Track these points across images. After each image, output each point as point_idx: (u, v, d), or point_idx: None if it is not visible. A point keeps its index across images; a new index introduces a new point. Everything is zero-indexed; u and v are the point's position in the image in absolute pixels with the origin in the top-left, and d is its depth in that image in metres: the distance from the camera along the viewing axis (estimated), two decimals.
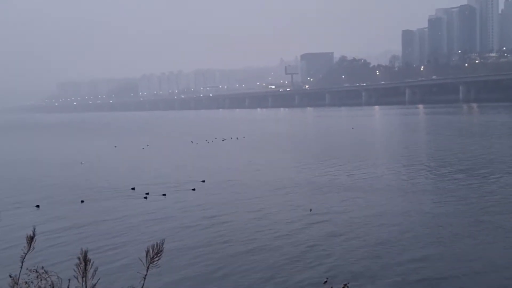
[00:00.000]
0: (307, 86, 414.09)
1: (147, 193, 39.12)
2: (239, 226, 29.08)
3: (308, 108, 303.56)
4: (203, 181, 44.44)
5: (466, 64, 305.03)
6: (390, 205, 32.88)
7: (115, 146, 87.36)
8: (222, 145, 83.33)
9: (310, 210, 32.01)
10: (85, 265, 7.22)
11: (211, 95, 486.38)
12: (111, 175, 51.79)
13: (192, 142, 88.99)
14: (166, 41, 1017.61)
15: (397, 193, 36.83)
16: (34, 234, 7.60)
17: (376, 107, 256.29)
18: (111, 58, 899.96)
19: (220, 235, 27.25)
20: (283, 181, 43.95)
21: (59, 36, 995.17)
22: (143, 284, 7.34)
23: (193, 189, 40.55)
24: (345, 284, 6.61)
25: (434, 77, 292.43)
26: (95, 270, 7.28)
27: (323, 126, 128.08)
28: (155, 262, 7.32)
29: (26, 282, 7.67)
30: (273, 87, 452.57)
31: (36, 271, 7.79)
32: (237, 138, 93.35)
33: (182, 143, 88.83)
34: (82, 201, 37.60)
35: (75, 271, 7.17)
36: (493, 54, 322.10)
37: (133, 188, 41.84)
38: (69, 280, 7.41)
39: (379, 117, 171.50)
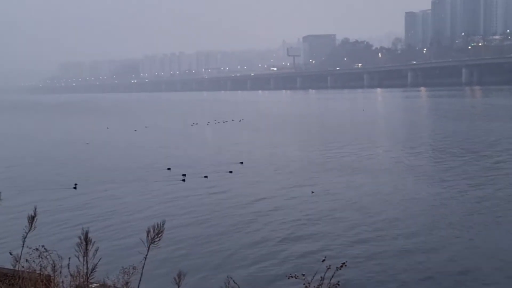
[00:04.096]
0: (312, 62, 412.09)
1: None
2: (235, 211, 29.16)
3: (310, 90, 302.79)
4: (241, 162, 44.23)
5: (469, 47, 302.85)
6: (399, 188, 32.87)
7: (146, 127, 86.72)
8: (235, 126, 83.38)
9: (312, 192, 32.15)
10: (86, 244, 7.26)
11: (215, 76, 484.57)
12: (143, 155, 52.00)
13: (193, 124, 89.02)
14: (167, 22, 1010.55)
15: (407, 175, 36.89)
16: (35, 213, 7.63)
17: (378, 89, 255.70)
18: (113, 39, 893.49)
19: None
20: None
21: (60, 17, 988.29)
22: (144, 263, 7.38)
23: (230, 172, 39.84)
24: (343, 263, 6.60)
25: (438, 59, 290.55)
26: (96, 250, 7.32)
27: (338, 109, 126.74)
28: (155, 242, 7.35)
29: (27, 260, 7.73)
30: (275, 69, 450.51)
31: (37, 249, 7.85)
32: (239, 120, 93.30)
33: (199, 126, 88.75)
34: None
35: (76, 250, 7.22)
36: (497, 37, 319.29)
37: (169, 169, 42.20)
38: (69, 258, 7.47)
39: (383, 99, 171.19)
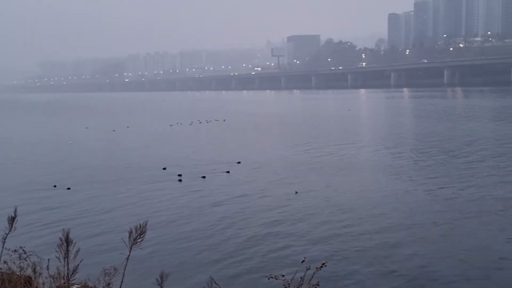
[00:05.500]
0: (297, 62, 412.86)
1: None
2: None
3: (295, 90, 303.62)
4: (239, 162, 43.97)
5: (451, 48, 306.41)
6: (382, 187, 33.24)
7: (128, 127, 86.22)
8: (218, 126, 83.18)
9: (296, 192, 32.27)
10: (67, 245, 7.22)
11: (201, 76, 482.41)
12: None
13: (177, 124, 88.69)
14: (151, 21, 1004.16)
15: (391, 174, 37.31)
16: (15, 214, 7.57)
17: (362, 90, 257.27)
18: (96, 38, 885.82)
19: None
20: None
21: (42, 15, 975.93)
22: (126, 264, 7.35)
23: (203, 177, 38.58)
24: (323, 264, 6.66)
25: (421, 60, 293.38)
26: (77, 251, 7.28)
27: (324, 109, 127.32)
28: (138, 243, 7.33)
29: (5, 262, 7.66)
30: (260, 69, 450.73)
31: (16, 251, 7.78)
32: (224, 120, 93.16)
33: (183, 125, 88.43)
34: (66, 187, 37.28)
35: (56, 251, 7.17)
36: (478, 38, 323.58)
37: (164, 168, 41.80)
38: (49, 260, 7.40)
39: (367, 100, 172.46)
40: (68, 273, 7.27)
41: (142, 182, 37.14)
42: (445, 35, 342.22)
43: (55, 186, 36.05)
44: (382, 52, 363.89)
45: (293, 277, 6.35)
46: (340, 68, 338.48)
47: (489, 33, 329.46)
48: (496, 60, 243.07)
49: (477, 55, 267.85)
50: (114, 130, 79.56)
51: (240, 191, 33.29)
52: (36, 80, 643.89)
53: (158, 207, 29.83)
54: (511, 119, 77.77)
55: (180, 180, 37.36)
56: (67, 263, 7.18)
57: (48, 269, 7.52)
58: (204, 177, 38.26)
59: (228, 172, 39.97)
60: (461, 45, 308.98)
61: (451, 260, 20.00)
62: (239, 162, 44.04)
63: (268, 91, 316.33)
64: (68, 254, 7.21)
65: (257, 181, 36.50)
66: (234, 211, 28.37)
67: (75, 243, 7.27)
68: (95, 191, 34.52)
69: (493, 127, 67.17)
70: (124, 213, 28.67)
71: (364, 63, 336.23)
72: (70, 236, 7.28)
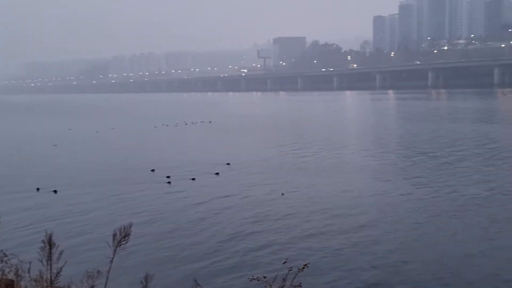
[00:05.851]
0: (283, 64, 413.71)
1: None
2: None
3: (281, 92, 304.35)
4: (228, 163, 43.75)
5: (435, 51, 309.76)
6: (365, 189, 33.49)
7: (113, 128, 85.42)
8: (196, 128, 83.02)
9: (282, 194, 32.37)
10: (50, 248, 7.19)
11: (185, 77, 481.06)
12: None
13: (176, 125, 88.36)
14: (136, 22, 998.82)
15: (375, 175, 37.62)
16: None
17: (348, 92, 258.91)
18: (80, 39, 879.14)
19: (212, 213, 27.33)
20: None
21: (26, 16, 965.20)
22: (110, 267, 7.34)
23: (193, 179, 38.10)
24: (305, 265, 6.74)
25: (406, 63, 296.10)
26: (60, 254, 7.25)
27: (311, 110, 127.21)
28: (122, 246, 7.33)
29: None
30: (246, 70, 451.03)
31: None
32: (210, 121, 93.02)
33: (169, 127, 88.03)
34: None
35: (39, 254, 7.14)
36: (461, 41, 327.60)
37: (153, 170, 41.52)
38: (30, 263, 7.36)
39: (353, 102, 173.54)
40: (51, 276, 7.24)
41: (131, 184, 36.83)
42: (429, 38, 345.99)
43: (38, 189, 35.64)
44: (367, 54, 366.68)
45: (275, 279, 6.42)
46: (326, 70, 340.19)
47: (472, 35, 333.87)
48: (479, 62, 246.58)
49: (461, 57, 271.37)
50: (97, 132, 78.92)
51: (228, 193, 33.27)
52: (20, 81, 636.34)
53: (146, 210, 29.65)
54: (492, 121, 78.93)
55: (169, 182, 37.04)
56: (50, 266, 7.15)
57: (30, 272, 7.48)
58: (193, 179, 38.09)
59: (217, 173, 39.92)
60: (445, 48, 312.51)
61: (425, 257, 20.55)
62: (228, 164, 43.99)
63: (254, 92, 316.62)
64: (51, 257, 7.18)
65: (246, 183, 36.44)
66: (222, 213, 28.33)
67: (58, 245, 7.24)
68: (81, 193, 34.17)
69: (474, 129, 68.14)
70: (110, 215, 28.47)
71: (355, 65, 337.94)
72: (53, 238, 7.25)
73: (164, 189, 35.20)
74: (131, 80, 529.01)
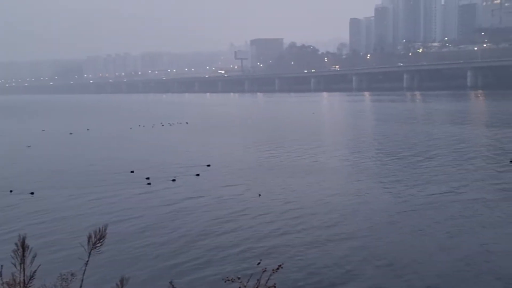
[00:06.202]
0: (260, 65, 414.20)
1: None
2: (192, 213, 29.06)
3: (258, 93, 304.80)
4: (209, 165, 43.67)
5: (410, 53, 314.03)
6: (341, 190, 33.87)
7: (88, 129, 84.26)
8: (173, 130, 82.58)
9: (259, 195, 32.47)
10: (23, 251, 7.10)
11: (164, 78, 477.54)
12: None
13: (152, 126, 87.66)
14: (111, 22, 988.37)
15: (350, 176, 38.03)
16: None
17: (325, 93, 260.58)
18: (54, 39, 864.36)
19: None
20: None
21: None
22: (85, 270, 7.31)
23: (173, 180, 38.12)
24: (279, 266, 6.83)
25: (381, 65, 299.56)
26: (34, 257, 7.18)
27: (289, 111, 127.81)
28: (97, 248, 7.29)
29: None
30: (223, 71, 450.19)
31: None
32: (187, 123, 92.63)
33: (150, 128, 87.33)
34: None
35: (12, 257, 7.05)
36: (435, 44, 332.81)
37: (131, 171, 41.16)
38: (2, 266, 7.25)
39: (330, 103, 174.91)
40: (24, 279, 7.16)
41: (109, 185, 36.54)
42: (404, 40, 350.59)
43: (11, 191, 35.05)
44: (344, 56, 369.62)
45: (248, 279, 6.48)
46: (303, 71, 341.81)
47: (446, 39, 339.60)
48: (452, 65, 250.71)
49: (435, 60, 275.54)
50: (71, 133, 77.83)
51: (207, 193, 33.28)
52: None
53: (124, 210, 29.47)
54: (463, 122, 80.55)
55: (149, 184, 36.76)
56: (24, 269, 7.07)
57: (2, 276, 7.38)
58: (174, 180, 37.92)
59: (198, 175, 39.77)
60: (420, 50, 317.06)
61: (389, 255, 21.12)
62: (209, 165, 43.90)
63: (231, 94, 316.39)
64: (24, 260, 7.10)
65: (225, 184, 36.58)
66: (195, 213, 28.36)
67: (32, 248, 7.17)
68: (57, 195, 33.77)
69: (446, 130, 69.43)
70: (87, 217, 28.20)
71: (337, 66, 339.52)
72: (27, 241, 7.18)
73: (143, 190, 34.96)
74: (110, 81, 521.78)
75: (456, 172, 38.23)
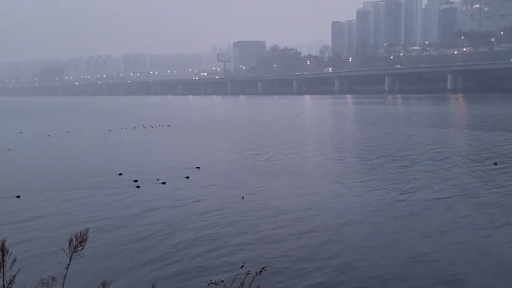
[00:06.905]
0: (243, 68, 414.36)
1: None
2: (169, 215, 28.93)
3: (241, 95, 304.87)
4: (198, 167, 43.52)
5: (391, 57, 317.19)
6: (323, 192, 34.04)
7: (68, 131, 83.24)
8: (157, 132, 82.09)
9: (242, 197, 32.48)
10: (3, 255, 7.00)
11: (149, 79, 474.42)
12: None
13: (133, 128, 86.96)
14: (93, 24, 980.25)
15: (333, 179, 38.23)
16: None
17: (307, 96, 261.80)
18: (35, 40, 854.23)
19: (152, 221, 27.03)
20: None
21: None
22: (66, 274, 7.22)
23: (163, 183, 37.59)
24: (263, 268, 6.85)
25: (363, 68, 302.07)
26: (14, 261, 7.07)
27: (272, 114, 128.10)
28: (78, 252, 7.21)
29: None
30: (206, 74, 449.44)
31: None
32: (168, 125, 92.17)
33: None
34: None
35: None
36: (416, 48, 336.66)
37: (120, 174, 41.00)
38: None
39: (312, 105, 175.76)
40: (4, 284, 7.06)
41: (96, 188, 36.19)
42: (385, 44, 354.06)
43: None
44: (326, 59, 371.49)
45: (232, 282, 6.47)
46: (286, 74, 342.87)
47: (426, 42, 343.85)
48: (433, 68, 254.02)
49: (416, 63, 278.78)
50: (48, 136, 76.89)
51: (198, 197, 33.16)
52: None
53: (110, 214, 29.16)
54: (443, 125, 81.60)
55: (138, 187, 36.43)
56: (3, 274, 6.97)
57: None
58: (164, 183, 37.66)
59: (187, 177, 39.59)
60: (401, 54, 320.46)
61: (372, 258, 21.28)
62: (198, 168, 43.72)
63: (214, 96, 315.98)
64: (3, 264, 7.00)
65: (214, 186, 36.46)
66: (189, 218, 28.21)
67: (12, 252, 7.07)
68: (40, 198, 33.27)
69: (426, 133, 70.22)
70: (70, 220, 27.83)
71: (330, 69, 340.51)
72: (7, 245, 7.07)
73: (131, 193, 34.64)
74: (99, 82, 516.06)
75: (438, 175, 38.70)
